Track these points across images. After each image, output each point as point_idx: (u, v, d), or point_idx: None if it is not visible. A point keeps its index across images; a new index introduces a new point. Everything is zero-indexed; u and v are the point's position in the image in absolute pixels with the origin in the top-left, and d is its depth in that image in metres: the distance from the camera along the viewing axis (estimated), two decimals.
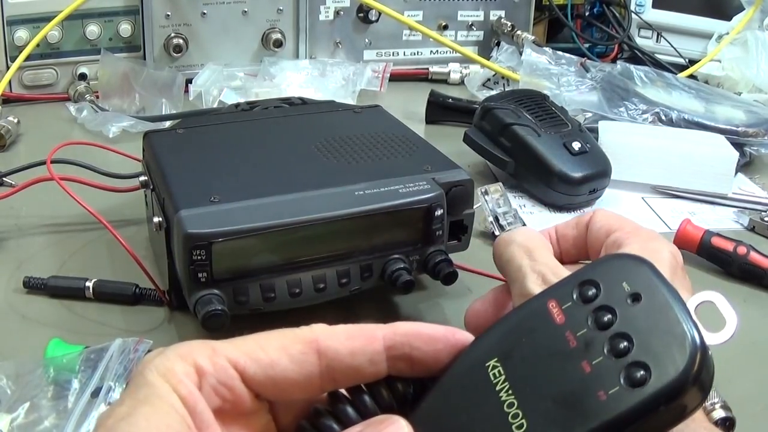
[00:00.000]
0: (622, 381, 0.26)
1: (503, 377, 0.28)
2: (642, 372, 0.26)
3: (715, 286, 0.62)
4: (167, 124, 0.80)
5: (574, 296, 0.29)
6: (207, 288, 0.50)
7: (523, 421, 0.27)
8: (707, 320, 0.28)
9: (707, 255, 0.66)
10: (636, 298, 0.28)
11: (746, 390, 0.52)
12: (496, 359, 0.29)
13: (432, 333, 0.30)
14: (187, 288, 0.50)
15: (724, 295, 0.30)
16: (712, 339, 0.27)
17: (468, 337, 0.30)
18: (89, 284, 0.57)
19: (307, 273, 0.53)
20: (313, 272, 0.53)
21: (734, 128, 0.86)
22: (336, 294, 0.54)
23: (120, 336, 0.50)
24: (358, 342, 0.29)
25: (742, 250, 0.64)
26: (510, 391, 0.28)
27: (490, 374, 0.28)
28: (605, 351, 0.27)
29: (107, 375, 0.46)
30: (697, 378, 0.26)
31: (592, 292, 0.29)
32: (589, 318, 0.28)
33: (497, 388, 0.28)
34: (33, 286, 0.58)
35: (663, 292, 0.28)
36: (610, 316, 0.28)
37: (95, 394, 0.45)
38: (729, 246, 0.64)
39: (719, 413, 0.46)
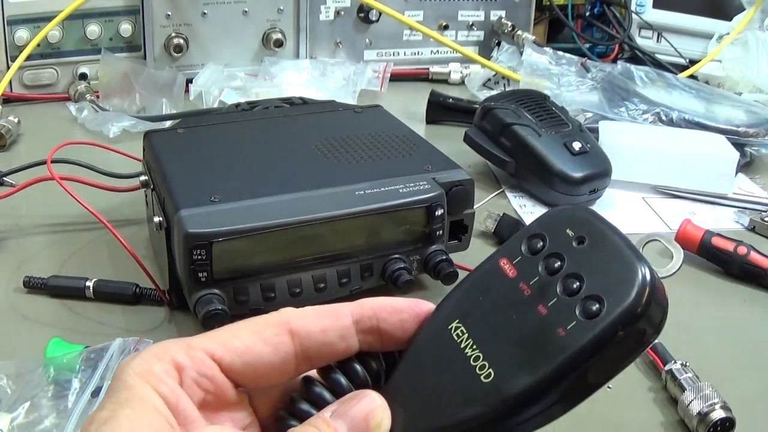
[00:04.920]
0: (578, 315, 0.27)
1: (466, 335, 0.29)
2: (596, 304, 0.27)
3: (715, 286, 0.62)
4: (167, 124, 0.80)
5: (523, 250, 0.30)
6: (207, 288, 0.50)
7: (490, 370, 0.28)
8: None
9: (707, 255, 0.65)
10: (581, 240, 0.29)
11: (746, 390, 0.52)
12: (457, 320, 0.30)
13: (396, 304, 0.31)
14: (187, 288, 0.50)
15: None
16: (662, 272, 0.28)
17: (431, 307, 0.31)
18: (89, 284, 0.57)
19: (307, 273, 0.53)
20: (314, 272, 0.53)
21: (734, 128, 0.86)
22: (336, 294, 0.54)
23: (120, 336, 0.51)
24: (327, 319, 0.30)
25: (742, 250, 0.64)
26: (474, 346, 0.29)
27: (454, 335, 0.29)
28: (558, 292, 0.28)
29: (107, 375, 0.47)
30: (649, 302, 0.26)
31: (539, 244, 0.30)
32: (539, 266, 0.29)
33: (462, 345, 0.29)
34: (33, 286, 0.58)
35: (606, 232, 0.29)
36: (559, 261, 0.29)
37: (95, 393, 0.45)
38: (729, 246, 0.64)
39: (719, 413, 0.45)
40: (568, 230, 0.29)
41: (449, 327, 0.30)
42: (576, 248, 0.29)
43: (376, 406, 0.28)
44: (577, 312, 0.27)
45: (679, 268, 0.30)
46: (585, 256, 0.28)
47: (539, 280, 0.29)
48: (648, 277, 0.27)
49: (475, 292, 0.30)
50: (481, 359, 0.28)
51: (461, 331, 0.29)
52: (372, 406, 0.28)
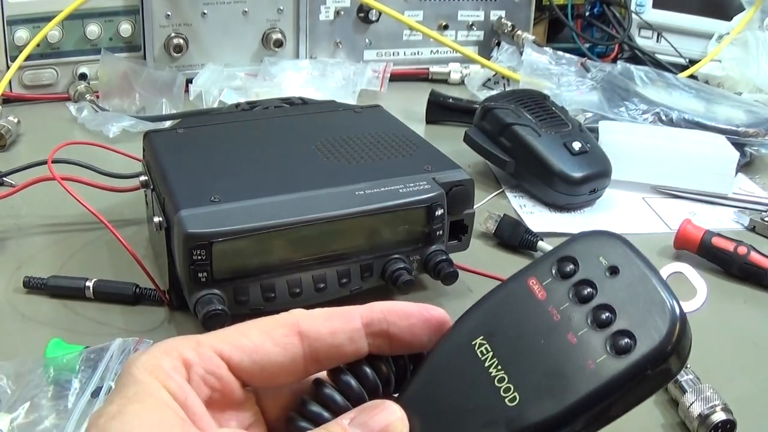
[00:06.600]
0: (608, 349, 0.27)
1: (491, 353, 0.29)
2: (627, 340, 0.27)
3: (715, 286, 0.62)
4: (167, 124, 0.80)
5: (553, 272, 0.30)
6: (207, 288, 0.50)
7: (516, 394, 0.27)
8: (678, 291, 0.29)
9: (707, 255, 0.65)
10: (614, 271, 0.29)
11: (746, 390, 0.52)
12: (482, 337, 0.29)
13: (406, 309, 0.31)
14: (187, 288, 0.50)
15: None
16: (686, 307, 0.28)
17: (441, 313, 0.31)
18: (89, 284, 0.57)
19: (307, 273, 0.53)
20: (314, 272, 0.53)
21: (734, 128, 0.86)
22: (336, 294, 0.54)
23: (120, 336, 0.51)
24: (337, 321, 0.30)
25: (742, 250, 0.64)
26: (499, 367, 0.28)
27: (478, 352, 0.29)
28: (589, 322, 0.28)
29: (107, 375, 0.47)
30: (679, 342, 0.26)
31: (570, 267, 0.29)
32: (569, 292, 0.29)
33: (486, 364, 0.28)
34: (33, 286, 0.58)
35: (639, 264, 0.29)
36: (590, 289, 0.28)
37: (95, 394, 0.45)
38: (729, 246, 0.64)
39: (720, 416, 0.45)
40: (600, 258, 0.29)
41: (473, 343, 0.29)
42: (608, 278, 0.28)
43: (396, 419, 0.28)
44: (607, 346, 0.27)
45: (703, 304, 0.30)
46: (617, 287, 0.28)
47: (569, 307, 0.28)
48: (678, 315, 0.27)
49: (502, 309, 0.30)
50: (506, 381, 0.28)
51: (486, 348, 0.29)
52: (392, 419, 0.28)
